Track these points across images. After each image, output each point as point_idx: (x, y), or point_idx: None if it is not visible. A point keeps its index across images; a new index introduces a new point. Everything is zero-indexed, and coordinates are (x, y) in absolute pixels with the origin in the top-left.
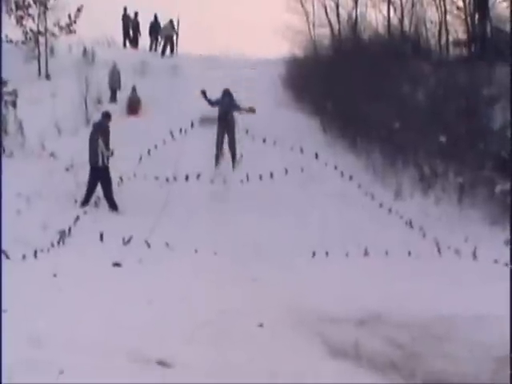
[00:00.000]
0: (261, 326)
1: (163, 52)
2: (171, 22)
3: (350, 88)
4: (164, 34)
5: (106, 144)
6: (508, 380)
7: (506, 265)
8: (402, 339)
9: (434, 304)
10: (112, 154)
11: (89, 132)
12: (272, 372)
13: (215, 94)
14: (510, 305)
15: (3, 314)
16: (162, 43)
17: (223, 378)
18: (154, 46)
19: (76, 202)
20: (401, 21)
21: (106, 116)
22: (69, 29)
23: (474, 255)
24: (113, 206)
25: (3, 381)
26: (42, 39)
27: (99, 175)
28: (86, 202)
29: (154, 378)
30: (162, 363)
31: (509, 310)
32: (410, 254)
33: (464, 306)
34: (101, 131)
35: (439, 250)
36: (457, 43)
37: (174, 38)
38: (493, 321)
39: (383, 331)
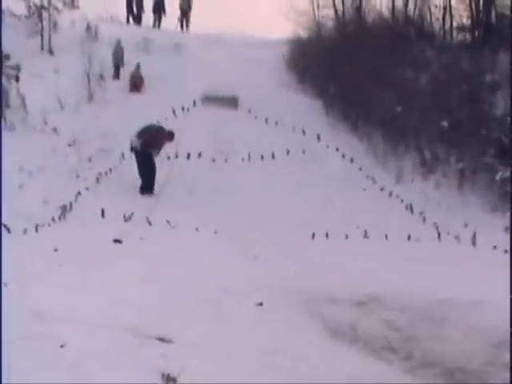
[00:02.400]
0: (260, 304)
1: (181, 26)
2: None
3: (353, 70)
4: (181, 8)
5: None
6: (505, 365)
7: (505, 251)
8: (399, 322)
9: (432, 288)
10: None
11: (91, 108)
12: (271, 351)
13: (217, 73)
14: (510, 290)
15: (4, 288)
16: (179, 17)
17: (222, 356)
18: (157, 23)
19: (78, 177)
20: (405, 4)
21: (169, 135)
22: (72, 4)
23: (474, 241)
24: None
25: (3, 381)
26: (45, 14)
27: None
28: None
29: (154, 354)
30: (161, 339)
31: (506, 296)
32: (409, 237)
33: (462, 291)
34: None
35: (439, 235)
36: (461, 28)
37: (190, 12)
38: (490, 306)
39: (381, 313)
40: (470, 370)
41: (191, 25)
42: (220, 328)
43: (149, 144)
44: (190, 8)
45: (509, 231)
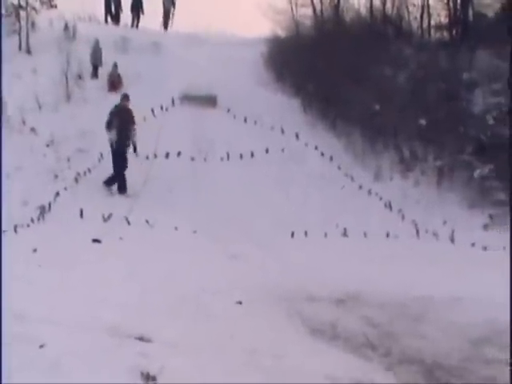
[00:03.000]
0: (240, 303)
1: (165, 26)
2: None
3: (332, 69)
4: (164, 7)
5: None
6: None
7: (484, 248)
8: (378, 319)
9: (410, 285)
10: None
11: (69, 108)
12: (251, 349)
13: (195, 73)
14: (511, 290)
15: None
16: (163, 16)
17: (202, 354)
18: (135, 22)
19: (56, 177)
20: (383, 3)
21: (125, 98)
22: (50, 3)
23: (452, 238)
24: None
25: (3, 381)
26: (23, 13)
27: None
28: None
29: (134, 353)
30: (141, 338)
31: (485, 293)
32: (388, 235)
33: (440, 288)
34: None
35: (417, 232)
36: (438, 27)
37: (172, 11)
38: (468, 303)
39: (360, 311)
40: (449, 366)
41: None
42: (200, 327)
43: (125, 125)
44: (173, 7)
45: (487, 228)
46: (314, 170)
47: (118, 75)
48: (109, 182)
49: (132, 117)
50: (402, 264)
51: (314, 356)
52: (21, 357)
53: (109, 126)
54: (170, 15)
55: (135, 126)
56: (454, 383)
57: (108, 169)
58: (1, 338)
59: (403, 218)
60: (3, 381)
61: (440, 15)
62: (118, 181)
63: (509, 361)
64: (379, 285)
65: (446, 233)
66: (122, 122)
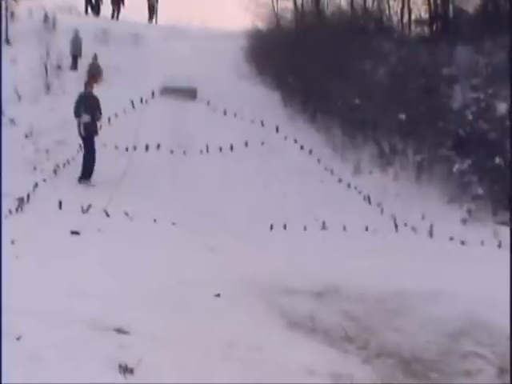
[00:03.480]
0: (218, 295)
1: (150, 18)
2: None
3: (312, 63)
4: (149, 1)
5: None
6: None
7: (462, 243)
8: (356, 312)
9: (389, 279)
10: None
11: (49, 99)
12: (229, 342)
13: (176, 65)
14: (510, 288)
15: None
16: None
17: (179, 346)
18: (115, 14)
19: (35, 169)
20: None
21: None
22: None
23: (431, 232)
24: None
25: (3, 381)
26: (2, 3)
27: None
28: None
29: (112, 345)
30: (119, 331)
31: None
32: (367, 229)
33: (418, 282)
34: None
35: (396, 227)
36: (419, 22)
37: (156, 5)
38: (446, 297)
39: (339, 304)
40: (427, 360)
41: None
42: (177, 319)
43: (91, 111)
44: (157, 1)
45: (466, 223)
46: (293, 163)
47: (98, 67)
48: (84, 176)
49: (98, 103)
50: (381, 258)
51: (292, 348)
52: None
53: (76, 113)
54: (155, 9)
55: (101, 113)
56: (431, 376)
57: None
58: (0, 339)
59: (382, 211)
60: (3, 381)
61: (420, 10)
62: (82, 166)
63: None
64: (358, 278)
65: (425, 227)
66: (88, 109)
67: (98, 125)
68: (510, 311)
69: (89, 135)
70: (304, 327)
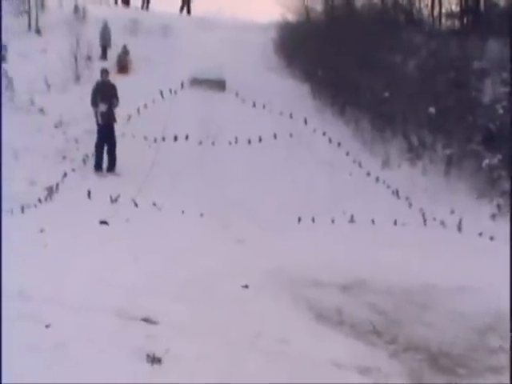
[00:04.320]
0: (246, 287)
1: (181, 9)
2: None
3: (342, 55)
4: None
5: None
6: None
7: (491, 238)
8: (384, 306)
9: (417, 273)
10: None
11: (78, 89)
12: (256, 333)
13: (205, 56)
14: (510, 281)
15: None
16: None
17: (206, 337)
18: (145, 5)
19: (64, 158)
20: None
21: (104, 72)
22: None
23: (459, 227)
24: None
25: (3, 381)
26: None
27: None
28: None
29: (139, 335)
30: (147, 320)
31: (490, 282)
32: (395, 223)
33: (446, 277)
34: (102, 89)
35: (425, 221)
36: (449, 15)
37: None
38: (474, 292)
39: (366, 297)
40: (455, 355)
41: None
42: (205, 310)
43: (108, 100)
44: None
45: (495, 218)
46: (321, 155)
47: (127, 57)
48: (98, 165)
49: (115, 91)
50: (409, 251)
51: (319, 341)
52: (26, 336)
53: (93, 102)
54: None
55: (118, 100)
56: (459, 372)
57: (116, 152)
58: (1, 341)
59: (410, 205)
60: (3, 381)
61: (451, 3)
62: (95, 157)
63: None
64: (385, 272)
65: (454, 222)
66: (105, 98)
67: (116, 113)
68: (510, 302)
69: (106, 124)
70: (331, 320)
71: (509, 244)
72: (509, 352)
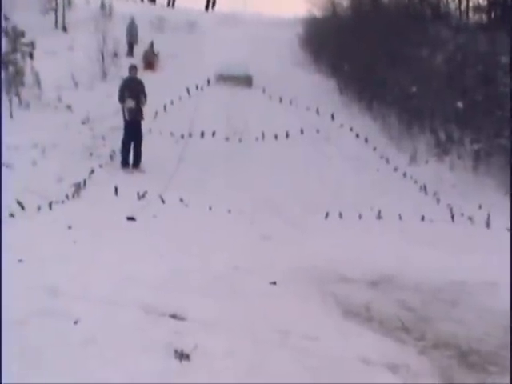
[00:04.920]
0: (274, 283)
1: (207, 7)
2: None
3: (368, 50)
4: None
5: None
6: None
7: None
8: (412, 302)
9: (445, 269)
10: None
11: (105, 86)
12: (284, 330)
13: (231, 52)
14: (510, 273)
15: (19, 264)
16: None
17: (235, 333)
18: (171, 2)
19: (91, 155)
20: None
21: (133, 69)
22: None
23: (488, 223)
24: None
25: (3, 381)
26: None
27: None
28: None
29: (167, 330)
30: (174, 316)
31: None
32: (423, 218)
33: (475, 273)
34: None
35: (453, 217)
36: (477, 9)
37: None
38: (503, 288)
39: (395, 294)
40: (485, 352)
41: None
42: (233, 306)
43: (136, 96)
44: None
45: None
46: (349, 151)
47: (154, 54)
48: (125, 161)
49: (143, 87)
50: (437, 248)
51: (347, 338)
52: (55, 332)
53: (121, 98)
54: None
55: (146, 97)
56: (489, 369)
57: (143, 148)
58: (1, 340)
59: (438, 201)
60: (3, 381)
61: None
62: (122, 153)
63: None
64: (413, 268)
65: (482, 217)
66: (132, 94)
67: (143, 109)
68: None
69: (133, 120)
70: (359, 316)
71: None
72: None
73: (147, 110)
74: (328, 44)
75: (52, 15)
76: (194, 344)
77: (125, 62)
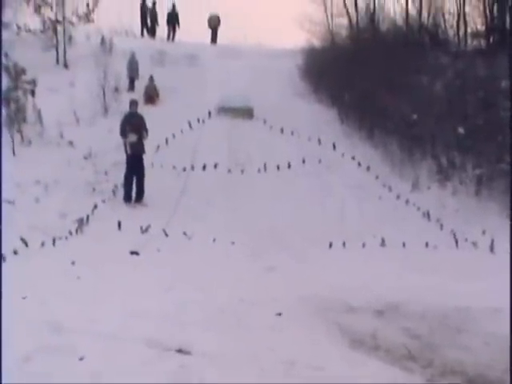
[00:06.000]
0: (279, 314)
1: (212, 40)
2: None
3: (368, 79)
4: (212, 25)
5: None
6: None
7: None
8: (418, 330)
9: (450, 296)
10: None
11: (106, 121)
12: (290, 361)
13: (232, 84)
14: (510, 298)
15: (23, 301)
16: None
17: (241, 366)
18: (171, 36)
19: (94, 190)
20: (419, 11)
21: (133, 104)
22: (87, 18)
23: (491, 248)
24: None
25: (3, 381)
26: (60, 28)
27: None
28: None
29: (173, 365)
30: (180, 350)
31: None
32: (427, 245)
33: (480, 298)
34: (131, 120)
35: (456, 242)
36: (475, 34)
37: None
38: (508, 314)
39: (400, 322)
40: (492, 378)
41: (205, 36)
42: (238, 338)
43: (138, 131)
44: (219, 24)
45: None
46: (351, 180)
47: (155, 88)
48: (128, 196)
49: (144, 122)
50: (441, 274)
51: (354, 367)
52: (60, 368)
53: (122, 133)
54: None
55: (147, 132)
56: None
57: (145, 182)
58: (1, 339)
59: (442, 227)
60: (3, 381)
61: (476, 23)
62: (124, 187)
63: None
64: (418, 295)
65: (486, 242)
66: (134, 128)
67: (145, 144)
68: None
69: (135, 154)
70: (365, 345)
71: None
72: None
73: (149, 143)
74: (328, 74)
75: (53, 52)
76: (199, 378)
77: (126, 97)
